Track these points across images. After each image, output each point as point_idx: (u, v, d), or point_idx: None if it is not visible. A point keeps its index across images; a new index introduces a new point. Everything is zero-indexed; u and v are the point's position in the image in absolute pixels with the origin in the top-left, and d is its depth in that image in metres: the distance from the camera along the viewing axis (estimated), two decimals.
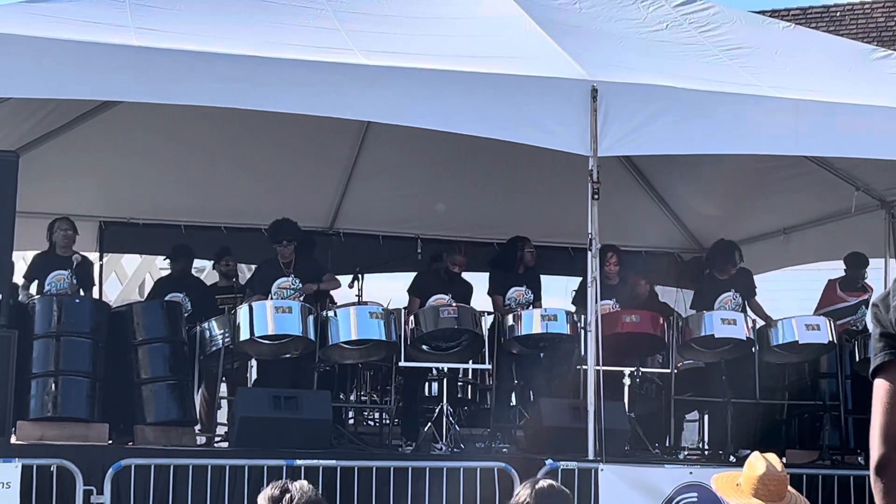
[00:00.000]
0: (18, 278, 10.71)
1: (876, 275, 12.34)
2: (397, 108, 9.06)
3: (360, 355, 10.57)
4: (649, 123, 9.27)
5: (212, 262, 13.36)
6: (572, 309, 10.95)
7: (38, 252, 11.02)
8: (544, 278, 11.96)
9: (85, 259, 11.00)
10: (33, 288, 10.74)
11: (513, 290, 11.39)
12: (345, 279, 11.64)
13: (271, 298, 10.62)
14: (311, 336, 10.00)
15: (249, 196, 13.41)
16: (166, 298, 11.20)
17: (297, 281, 10.79)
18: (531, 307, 11.22)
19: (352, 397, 11.86)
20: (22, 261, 11.80)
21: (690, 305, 11.82)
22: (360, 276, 11.72)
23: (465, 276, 11.61)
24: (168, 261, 12.26)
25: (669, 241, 14.95)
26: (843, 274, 12.17)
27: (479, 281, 11.92)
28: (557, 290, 13.82)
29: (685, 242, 15.04)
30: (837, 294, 11.98)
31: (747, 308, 11.53)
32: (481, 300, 11.60)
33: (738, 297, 11.48)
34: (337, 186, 13.90)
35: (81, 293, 10.63)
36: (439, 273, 11.37)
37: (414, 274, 11.89)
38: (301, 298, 10.55)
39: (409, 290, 11.39)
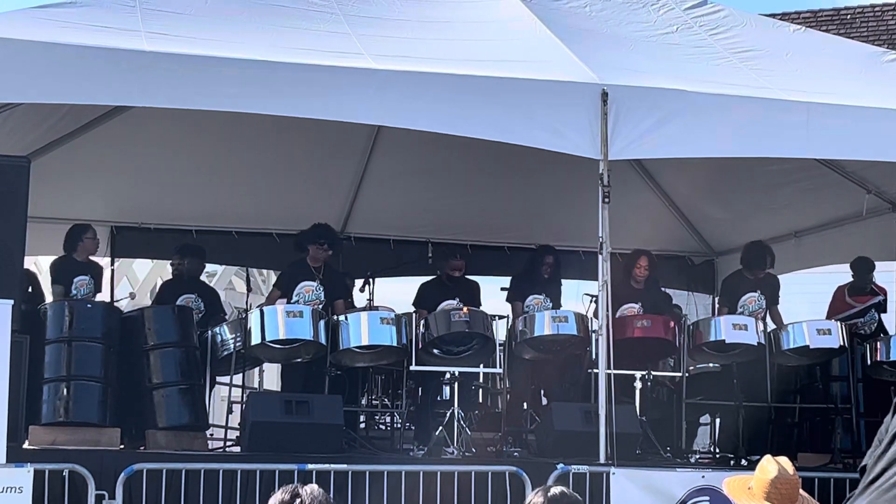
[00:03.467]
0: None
1: (887, 277, 12.32)
2: (408, 112, 9.06)
3: (372, 359, 10.58)
4: (660, 127, 9.25)
5: (223, 266, 13.37)
6: (583, 311, 10.95)
7: (57, 258, 11.07)
8: None
9: (96, 263, 11.18)
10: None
11: (531, 297, 11.43)
12: (356, 283, 11.65)
13: (292, 300, 10.62)
14: (322, 340, 10.01)
15: (261, 200, 13.43)
16: (179, 301, 11.22)
17: (322, 289, 10.78)
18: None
19: (363, 401, 11.86)
20: (34, 265, 11.84)
21: (717, 300, 12.13)
22: (370, 280, 11.73)
23: (474, 278, 11.64)
24: (178, 259, 12.17)
25: (680, 244, 14.95)
26: (850, 279, 12.15)
27: (486, 284, 11.94)
28: (570, 294, 13.83)
29: (696, 246, 15.03)
30: (846, 301, 11.97)
31: (768, 314, 11.57)
32: (494, 303, 11.63)
33: (762, 299, 11.56)
34: (348, 191, 13.91)
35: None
36: (441, 280, 11.40)
37: (419, 282, 11.90)
38: (321, 306, 10.54)
39: (415, 304, 11.36)
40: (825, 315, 11.94)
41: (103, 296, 11.84)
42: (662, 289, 12.58)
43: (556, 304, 11.56)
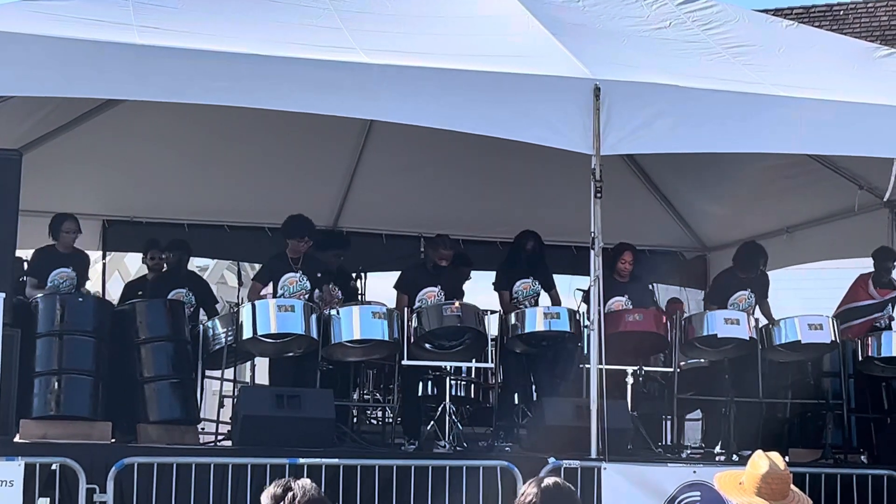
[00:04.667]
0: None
1: None
2: (400, 106, 9.04)
3: (363, 354, 10.57)
4: (652, 122, 9.25)
5: (215, 260, 13.34)
6: (575, 307, 10.94)
7: (39, 248, 10.99)
8: None
9: (82, 253, 11.08)
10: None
11: (519, 283, 11.43)
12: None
13: (277, 294, 10.63)
14: (314, 335, 10.00)
15: (253, 195, 13.43)
16: (170, 295, 11.20)
17: (305, 278, 10.79)
18: (539, 297, 11.28)
19: (354, 396, 11.85)
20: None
21: (705, 297, 12.14)
22: (363, 274, 11.72)
23: (472, 275, 11.64)
24: (165, 255, 12.15)
25: (673, 239, 14.96)
26: (871, 270, 12.05)
27: (482, 280, 11.93)
28: (562, 289, 13.83)
29: (688, 241, 15.05)
30: (868, 291, 11.91)
31: (757, 308, 11.59)
32: (486, 297, 11.61)
33: (752, 296, 11.59)
34: (340, 185, 13.91)
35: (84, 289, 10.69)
36: (426, 267, 11.35)
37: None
38: (305, 297, 10.55)
39: (396, 287, 11.28)
40: (841, 302, 11.94)
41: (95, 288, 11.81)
42: (650, 286, 12.62)
43: (546, 286, 11.55)
